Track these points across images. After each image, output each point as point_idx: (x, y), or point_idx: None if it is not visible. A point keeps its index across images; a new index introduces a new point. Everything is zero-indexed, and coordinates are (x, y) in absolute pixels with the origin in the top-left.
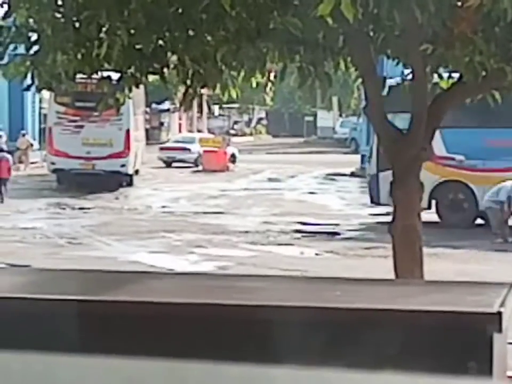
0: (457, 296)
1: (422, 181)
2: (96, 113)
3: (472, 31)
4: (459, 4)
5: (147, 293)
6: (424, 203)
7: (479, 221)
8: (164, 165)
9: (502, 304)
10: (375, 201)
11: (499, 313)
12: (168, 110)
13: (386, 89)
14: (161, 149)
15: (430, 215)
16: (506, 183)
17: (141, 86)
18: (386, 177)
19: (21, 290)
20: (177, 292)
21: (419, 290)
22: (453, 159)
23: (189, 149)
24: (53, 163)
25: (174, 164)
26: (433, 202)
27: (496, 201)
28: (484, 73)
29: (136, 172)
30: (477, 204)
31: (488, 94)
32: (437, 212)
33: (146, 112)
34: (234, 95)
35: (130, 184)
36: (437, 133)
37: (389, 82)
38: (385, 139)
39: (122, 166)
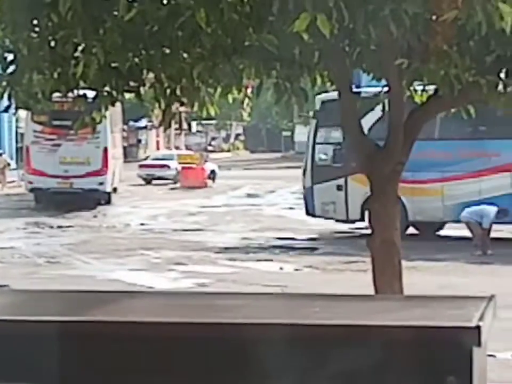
0: (436, 311)
1: (354, 193)
2: (73, 132)
3: (447, 44)
4: (434, 18)
5: (127, 312)
6: (357, 214)
7: (458, 232)
8: (143, 182)
9: (481, 318)
10: (310, 213)
11: (478, 327)
12: (145, 127)
13: (318, 105)
14: (141, 166)
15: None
16: (488, 209)
17: (118, 104)
18: (320, 189)
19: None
20: (156, 311)
21: (397, 305)
22: None
23: (168, 166)
24: (30, 182)
25: (154, 181)
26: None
27: (477, 222)
28: (459, 86)
29: (115, 189)
30: (406, 214)
31: (463, 107)
32: (369, 223)
33: (123, 130)
34: (212, 112)
35: (108, 202)
36: None
37: (320, 97)
38: (362, 153)
39: (100, 184)
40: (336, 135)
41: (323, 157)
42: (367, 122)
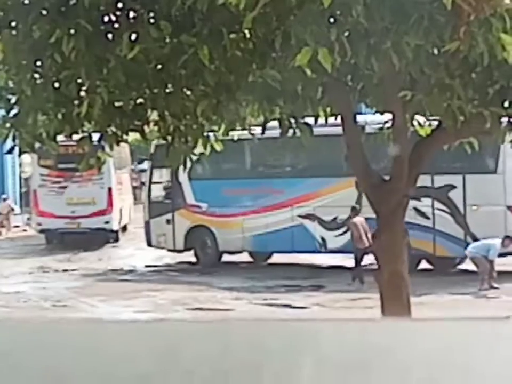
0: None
1: (180, 226)
2: (78, 174)
3: (449, 76)
4: (436, 49)
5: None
6: (181, 245)
7: (463, 266)
8: None
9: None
10: (149, 244)
11: None
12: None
13: (152, 148)
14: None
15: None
16: (494, 241)
17: (125, 144)
18: (155, 223)
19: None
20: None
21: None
22: (199, 206)
23: None
24: (39, 224)
25: None
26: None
27: (483, 256)
28: (462, 118)
29: (124, 228)
30: (217, 245)
31: (467, 139)
32: (194, 253)
33: (133, 170)
34: (218, 149)
35: (116, 240)
36: (188, 183)
37: (154, 142)
38: (368, 186)
39: (107, 222)
40: (167, 175)
41: (157, 194)
42: None
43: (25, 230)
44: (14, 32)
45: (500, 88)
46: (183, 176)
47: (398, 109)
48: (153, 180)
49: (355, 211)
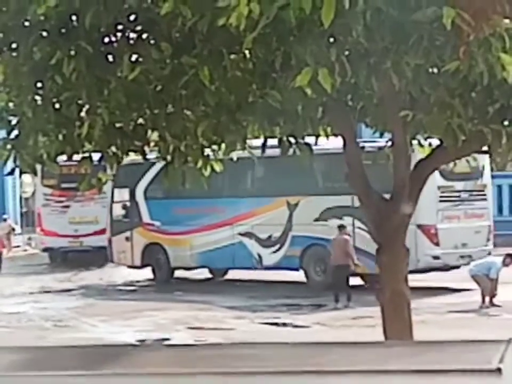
0: (451, 355)
1: (137, 243)
2: (81, 193)
3: (449, 95)
4: (436, 69)
5: (141, 365)
6: (139, 261)
7: (466, 285)
8: None
9: (501, 361)
10: (112, 260)
11: (498, 370)
12: None
13: (114, 168)
14: None
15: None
16: (494, 260)
17: None
18: (116, 240)
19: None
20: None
21: (414, 351)
22: (153, 225)
23: None
24: (43, 242)
25: None
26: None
27: (485, 274)
28: (463, 137)
29: None
30: (169, 261)
31: (468, 156)
32: (152, 270)
33: None
34: (217, 169)
35: None
36: (144, 203)
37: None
38: (369, 206)
39: None
40: (126, 194)
41: (117, 213)
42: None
43: (25, 250)
44: (14, 53)
45: (499, 107)
46: (139, 196)
47: (398, 128)
48: (115, 199)
49: (343, 229)
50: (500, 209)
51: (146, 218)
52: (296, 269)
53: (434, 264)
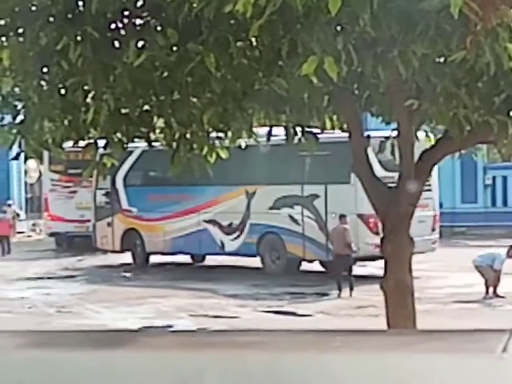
0: (454, 344)
1: (117, 228)
2: (87, 179)
3: (456, 85)
4: (442, 59)
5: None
6: (118, 246)
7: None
8: None
9: (504, 350)
10: (94, 246)
11: (501, 359)
12: None
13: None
14: None
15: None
16: (499, 251)
17: None
18: (99, 226)
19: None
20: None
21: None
22: (131, 211)
23: None
24: (49, 227)
25: None
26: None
27: (489, 265)
28: (468, 127)
29: None
30: (144, 247)
31: (473, 147)
32: (132, 254)
33: None
34: (224, 156)
35: None
36: (123, 190)
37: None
38: (375, 196)
39: None
40: (107, 182)
41: (101, 199)
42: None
43: (29, 236)
44: (21, 39)
45: (506, 97)
46: (119, 183)
47: (404, 117)
48: (98, 186)
49: (344, 218)
50: (505, 201)
51: (125, 204)
52: (254, 255)
53: (376, 252)
